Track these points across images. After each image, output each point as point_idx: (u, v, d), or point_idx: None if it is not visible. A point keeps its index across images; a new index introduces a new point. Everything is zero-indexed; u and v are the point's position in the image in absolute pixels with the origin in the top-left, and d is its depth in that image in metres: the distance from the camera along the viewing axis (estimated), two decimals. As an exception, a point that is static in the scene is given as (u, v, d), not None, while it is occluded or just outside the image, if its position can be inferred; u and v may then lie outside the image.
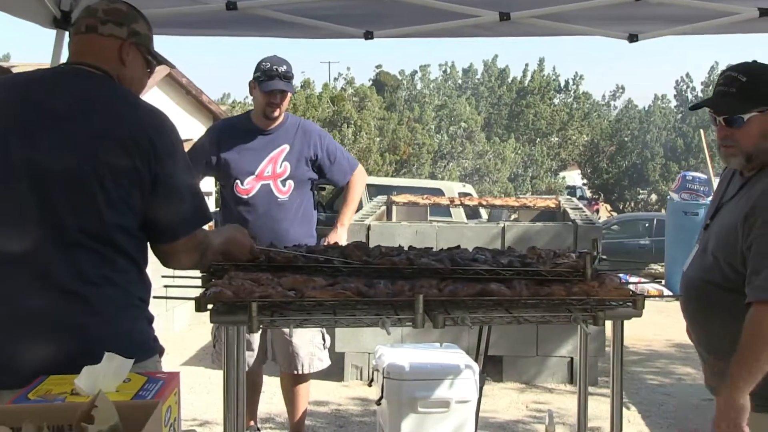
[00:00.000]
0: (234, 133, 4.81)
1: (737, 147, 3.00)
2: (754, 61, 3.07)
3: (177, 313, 9.43)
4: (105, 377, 1.99)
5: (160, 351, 2.66)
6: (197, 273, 3.15)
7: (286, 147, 4.77)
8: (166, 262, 2.71)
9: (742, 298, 2.86)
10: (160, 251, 2.66)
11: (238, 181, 4.72)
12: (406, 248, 3.47)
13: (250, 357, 4.89)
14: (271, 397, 6.84)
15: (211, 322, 2.77)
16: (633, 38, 4.31)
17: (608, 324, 3.07)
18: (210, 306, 2.72)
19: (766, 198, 2.85)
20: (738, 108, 2.99)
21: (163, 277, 2.88)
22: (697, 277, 3.10)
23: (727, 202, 3.10)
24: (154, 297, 2.76)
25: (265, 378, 6.04)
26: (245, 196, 4.73)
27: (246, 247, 3.08)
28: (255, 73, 4.74)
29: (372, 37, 4.37)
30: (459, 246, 3.59)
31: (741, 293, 2.88)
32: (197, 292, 2.83)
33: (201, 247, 2.73)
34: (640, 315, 3.10)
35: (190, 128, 15.11)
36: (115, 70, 2.64)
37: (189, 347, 8.55)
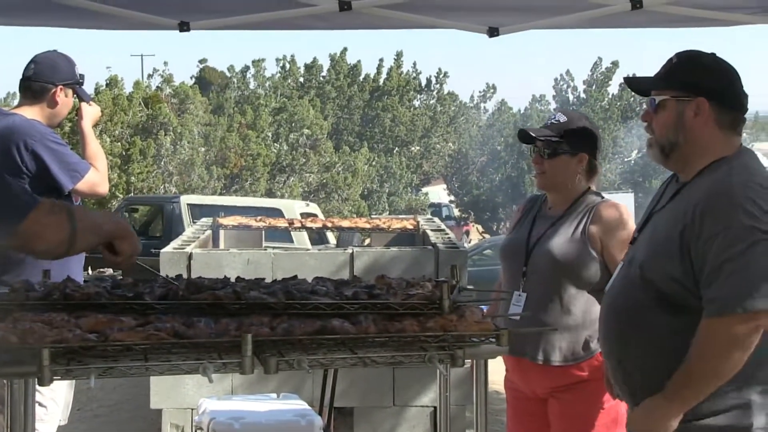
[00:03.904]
0: None
1: (653, 135, 3.18)
2: (712, 53, 3.21)
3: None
4: None
5: None
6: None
7: None
8: (32, 249, 2.75)
9: (672, 312, 3.00)
10: (17, 240, 2.65)
11: None
12: (233, 280, 3.50)
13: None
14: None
15: (-8, 375, 2.74)
16: (493, 32, 4.48)
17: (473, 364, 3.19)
18: (-10, 355, 2.70)
19: (712, 204, 2.95)
20: (655, 86, 3.19)
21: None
22: (622, 294, 3.21)
23: (659, 211, 3.22)
24: None
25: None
26: None
27: (136, 245, 3.02)
28: (71, 77, 4.81)
29: (188, 29, 4.39)
30: (296, 276, 3.64)
31: (674, 309, 3.01)
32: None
33: (62, 216, 2.70)
34: (505, 352, 3.23)
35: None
36: None
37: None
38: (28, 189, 2.78)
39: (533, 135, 4.19)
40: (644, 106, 3.27)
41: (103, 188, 4.89)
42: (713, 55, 3.22)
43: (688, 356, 2.92)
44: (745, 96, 3.20)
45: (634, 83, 3.42)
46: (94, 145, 5.00)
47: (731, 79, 3.17)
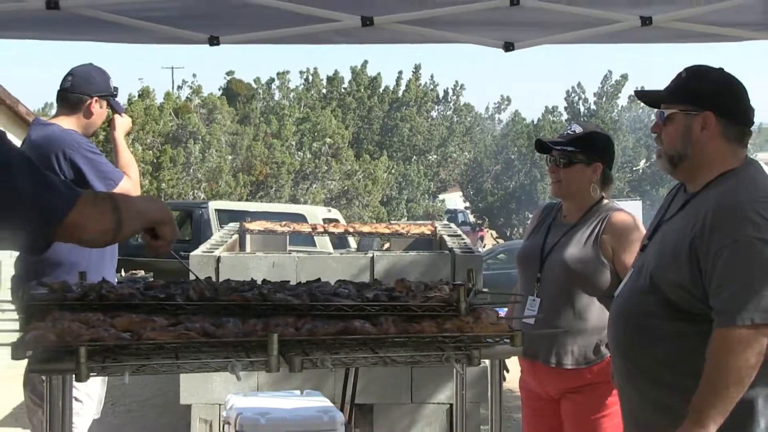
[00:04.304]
0: None
1: (662, 147, 3.19)
2: (720, 68, 3.22)
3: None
4: None
5: None
6: (13, 315, 3.13)
7: None
8: (78, 240, 2.67)
9: (679, 318, 3.00)
10: (62, 234, 2.62)
11: None
12: (260, 283, 3.52)
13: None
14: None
15: (30, 371, 2.76)
16: (509, 46, 4.47)
17: (488, 363, 3.19)
18: (29, 352, 2.71)
19: (719, 216, 2.95)
20: (664, 100, 3.19)
21: (-27, 320, 2.85)
22: (629, 300, 3.22)
23: (668, 221, 3.22)
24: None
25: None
26: None
27: (175, 231, 3.00)
28: (105, 90, 4.87)
29: (218, 43, 4.40)
30: (320, 279, 3.65)
31: (681, 315, 3.01)
32: (14, 337, 2.81)
33: (106, 206, 2.69)
34: (519, 353, 3.23)
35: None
36: None
37: (5, 405, 8.33)
38: (69, 183, 2.78)
39: (550, 145, 4.20)
40: (653, 117, 3.27)
41: (135, 195, 4.91)
42: (721, 69, 3.21)
43: (706, 372, 2.89)
44: (752, 110, 3.20)
45: (644, 96, 3.42)
46: (126, 155, 5.04)
47: (738, 94, 3.16)
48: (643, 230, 3.83)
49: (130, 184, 4.82)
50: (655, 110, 3.30)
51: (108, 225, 2.69)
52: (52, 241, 2.64)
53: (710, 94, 3.13)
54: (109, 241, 2.80)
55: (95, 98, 4.85)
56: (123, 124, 5.10)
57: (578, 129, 4.22)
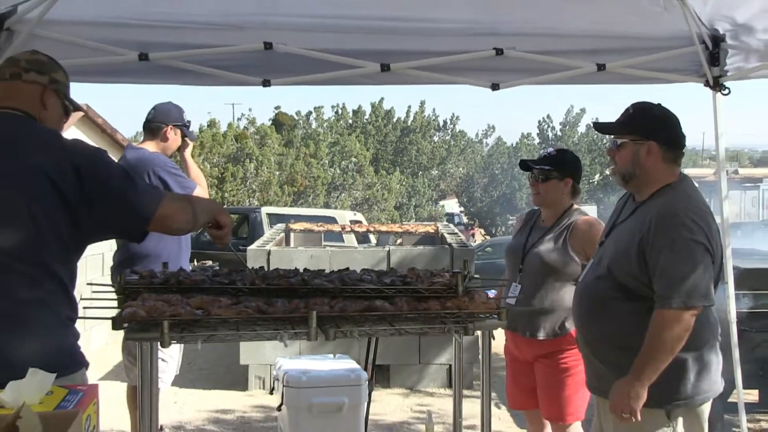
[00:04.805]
0: None
1: (616, 166, 3.19)
2: (658, 104, 3.21)
3: (94, 333, 9.20)
4: (29, 390, 1.97)
5: (86, 364, 2.64)
6: (113, 295, 3.13)
7: None
8: (168, 229, 2.73)
9: (630, 299, 3.01)
10: (154, 225, 2.64)
11: None
12: (302, 271, 3.51)
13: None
14: (182, 406, 6.75)
15: (126, 339, 2.76)
16: (495, 87, 4.47)
17: (480, 334, 3.17)
18: (125, 324, 2.72)
19: (661, 222, 2.97)
20: (617, 131, 3.18)
21: (82, 299, 2.86)
22: (591, 284, 3.22)
23: (621, 224, 3.22)
24: (74, 318, 2.73)
25: (177, 389, 5.93)
26: None
27: (230, 222, 3.04)
28: (179, 120, 4.89)
29: (269, 85, 4.41)
30: (348, 268, 3.64)
31: (630, 296, 3.02)
32: (113, 313, 2.82)
33: (183, 202, 2.71)
34: (505, 326, 3.21)
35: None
36: (37, 113, 2.64)
37: (106, 364, 8.36)
38: (151, 184, 2.82)
39: (531, 164, 4.19)
40: (606, 142, 3.28)
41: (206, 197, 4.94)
42: (660, 105, 3.20)
43: (647, 341, 2.93)
44: (684, 137, 3.22)
45: (600, 127, 3.40)
46: (195, 169, 5.05)
47: (674, 125, 3.17)
48: (600, 229, 3.82)
49: (201, 192, 4.83)
50: (608, 136, 3.30)
51: (188, 216, 2.72)
52: (148, 231, 2.67)
53: (653, 127, 3.12)
54: (190, 229, 2.86)
55: (170, 126, 4.86)
56: (189, 147, 5.10)
57: (553, 152, 4.22)
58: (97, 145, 2.72)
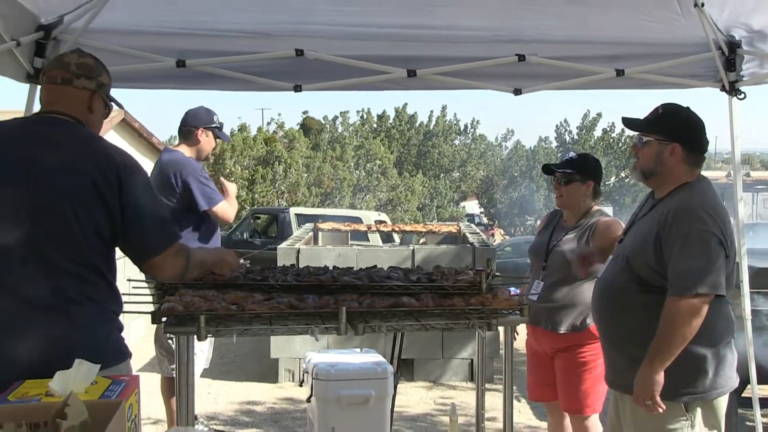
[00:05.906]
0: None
1: (638, 162, 3.17)
2: (687, 107, 3.18)
3: (133, 326, 9.27)
4: (75, 380, 2.00)
5: (129, 354, 2.67)
6: (149, 291, 3.16)
7: None
8: (154, 274, 2.72)
9: (648, 291, 2.99)
10: (146, 266, 2.66)
11: None
12: (330, 268, 3.52)
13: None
14: (215, 397, 6.79)
15: (165, 332, 2.78)
16: (518, 92, 4.46)
17: (502, 329, 3.17)
18: (164, 319, 2.74)
19: (677, 215, 2.96)
20: (644, 128, 3.15)
21: (122, 294, 2.88)
22: (610, 279, 3.20)
23: (640, 219, 3.21)
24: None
25: (210, 381, 5.95)
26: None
27: (233, 266, 3.09)
28: (209, 123, 4.90)
29: (300, 90, 4.42)
30: (375, 266, 3.65)
31: (648, 288, 3.00)
32: (152, 307, 2.84)
33: (182, 258, 2.70)
34: (526, 321, 3.21)
35: (142, 166, 14.89)
36: (84, 117, 2.66)
37: (143, 356, 8.42)
38: (173, 225, 2.81)
39: (554, 168, 4.16)
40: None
41: (230, 216, 4.92)
42: (688, 109, 3.18)
43: (660, 328, 2.91)
44: (707, 142, 3.21)
45: (628, 123, 3.35)
46: (232, 200, 4.96)
47: (699, 131, 3.15)
48: (620, 229, 3.79)
49: (227, 206, 4.86)
50: (634, 133, 3.27)
51: (178, 271, 2.71)
52: (142, 264, 2.68)
53: (680, 130, 3.10)
54: (175, 281, 2.97)
55: (201, 129, 4.89)
56: (232, 190, 5.05)
57: (575, 156, 4.19)
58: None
